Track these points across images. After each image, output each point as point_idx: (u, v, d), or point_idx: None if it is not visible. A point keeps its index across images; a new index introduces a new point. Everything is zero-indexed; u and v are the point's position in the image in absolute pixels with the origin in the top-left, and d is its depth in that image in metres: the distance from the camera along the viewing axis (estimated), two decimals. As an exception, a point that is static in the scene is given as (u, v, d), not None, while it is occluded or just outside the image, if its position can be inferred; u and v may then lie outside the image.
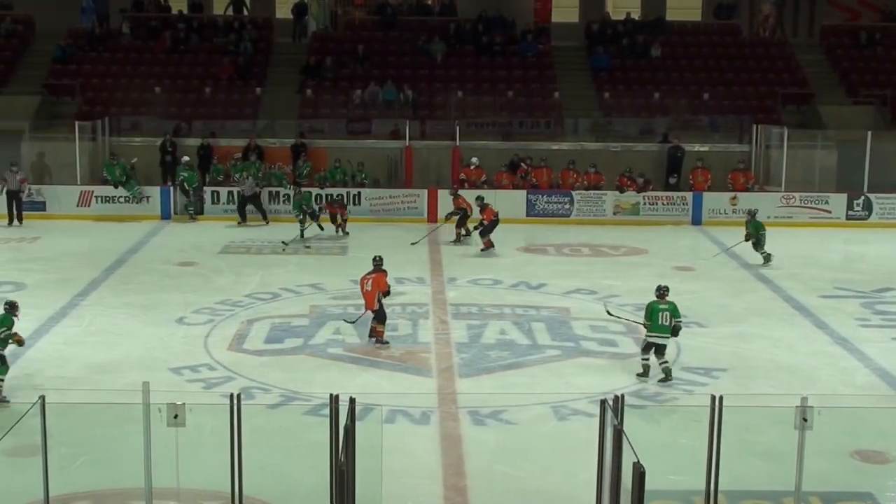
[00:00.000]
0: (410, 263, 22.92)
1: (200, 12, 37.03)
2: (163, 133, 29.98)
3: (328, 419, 10.24)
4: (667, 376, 15.20)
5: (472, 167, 28.84)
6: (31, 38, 35.16)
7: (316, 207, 26.52)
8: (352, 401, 10.02)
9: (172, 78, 32.99)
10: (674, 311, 15.21)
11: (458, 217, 25.17)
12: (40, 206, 27.68)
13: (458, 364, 16.37)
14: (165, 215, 28.05)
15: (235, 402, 10.29)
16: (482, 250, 24.04)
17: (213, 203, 28.27)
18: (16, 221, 26.84)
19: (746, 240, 23.09)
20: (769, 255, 23.00)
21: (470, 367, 16.17)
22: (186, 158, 28.48)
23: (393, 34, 35.35)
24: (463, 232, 25.19)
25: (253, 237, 25.67)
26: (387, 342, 17.03)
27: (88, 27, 35.08)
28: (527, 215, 28.14)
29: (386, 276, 17.73)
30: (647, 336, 15.34)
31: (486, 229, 24.16)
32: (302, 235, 25.26)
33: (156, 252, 24.36)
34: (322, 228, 26.13)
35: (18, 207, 26.99)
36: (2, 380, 14.16)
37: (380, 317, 17.14)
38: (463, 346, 17.23)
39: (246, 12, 37.64)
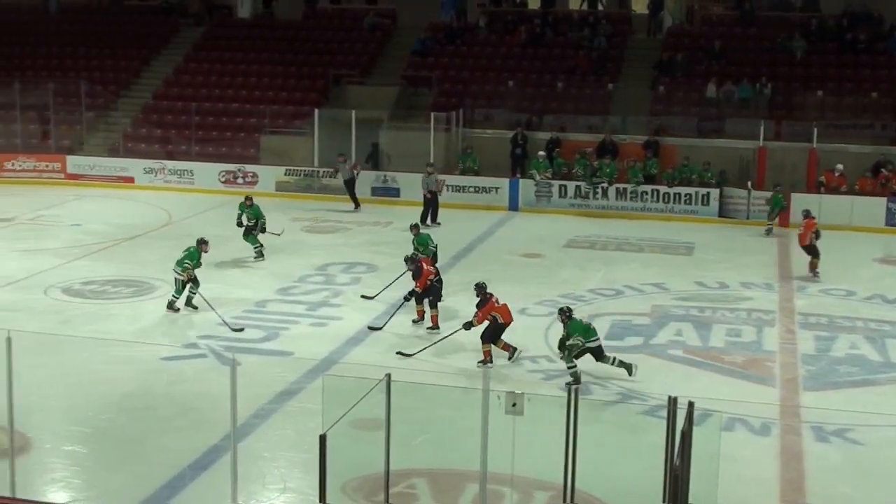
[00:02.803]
0: (759, 268, 22.21)
1: (555, 6, 37.35)
2: (514, 126, 30.48)
3: (665, 421, 10.03)
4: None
5: (836, 173, 27.42)
6: (394, 31, 36.61)
7: None
8: (690, 404, 9.75)
9: (526, 72, 33.43)
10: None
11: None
12: (394, 193, 28.81)
13: (804, 376, 15.68)
14: (513, 206, 28.46)
15: (573, 395, 10.26)
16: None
17: (560, 196, 28.41)
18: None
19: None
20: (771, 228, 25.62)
21: (816, 381, 15.45)
22: (542, 153, 28.85)
23: (751, 30, 34.33)
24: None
25: (599, 232, 25.62)
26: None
27: (447, 21, 36.13)
28: (886, 224, 26.52)
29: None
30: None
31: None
32: None
33: (502, 242, 24.78)
34: None
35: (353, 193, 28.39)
36: (176, 298, 18.06)
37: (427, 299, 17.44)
38: (810, 357, 16.48)
39: (601, 7, 37.59)
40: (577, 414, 10.28)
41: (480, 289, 16.38)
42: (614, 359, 15.27)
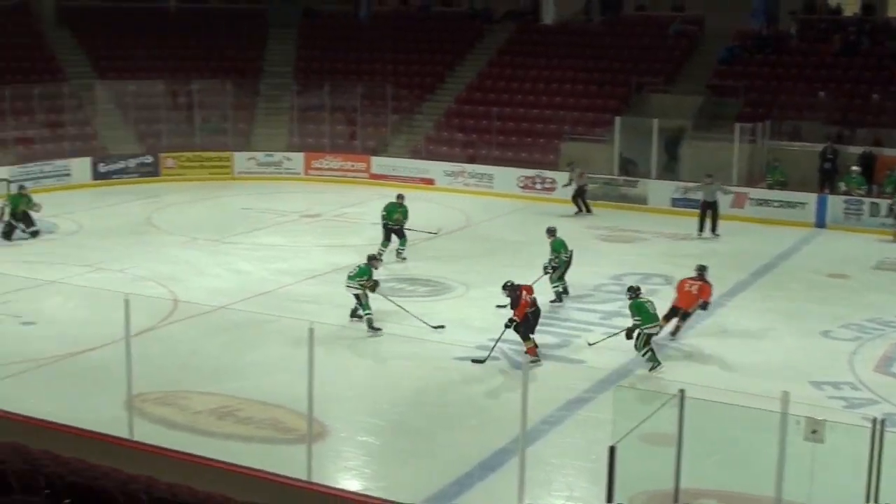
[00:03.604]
0: None
1: (874, 14, 35.61)
2: (824, 139, 29.21)
3: None
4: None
5: None
6: (700, 38, 35.84)
7: None
8: None
9: (839, 82, 31.96)
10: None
11: None
12: (695, 204, 27.89)
13: None
14: (820, 223, 27.25)
15: (878, 427, 9.65)
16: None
17: (871, 216, 26.96)
18: (583, 210, 28.34)
19: None
20: None
21: None
22: (856, 168, 27.53)
23: None
24: None
25: (910, 255, 24.24)
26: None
27: (757, 28, 35.05)
28: None
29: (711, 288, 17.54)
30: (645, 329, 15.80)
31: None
32: None
33: (806, 260, 23.79)
34: None
35: (584, 199, 28.47)
36: (370, 313, 17.52)
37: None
38: None
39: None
40: (881, 447, 9.67)
41: (508, 288, 16.39)
42: (649, 347, 15.85)
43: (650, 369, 15.75)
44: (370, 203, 28.89)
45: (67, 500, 7.84)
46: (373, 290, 17.77)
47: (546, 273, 19.39)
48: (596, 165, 30.32)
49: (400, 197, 23.14)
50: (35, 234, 24.22)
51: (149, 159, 32.73)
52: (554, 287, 19.50)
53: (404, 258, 22.64)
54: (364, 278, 17.61)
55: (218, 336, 17.32)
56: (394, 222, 22.64)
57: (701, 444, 11.57)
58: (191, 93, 34.84)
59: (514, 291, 16.29)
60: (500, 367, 16.00)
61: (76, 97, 34.05)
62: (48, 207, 25.85)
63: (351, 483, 11.99)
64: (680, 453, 10.34)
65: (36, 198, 25.18)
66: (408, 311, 17.85)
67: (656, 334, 16.16)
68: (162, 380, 14.93)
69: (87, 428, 12.04)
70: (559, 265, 19.47)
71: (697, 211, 26.21)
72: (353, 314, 17.92)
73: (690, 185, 27.31)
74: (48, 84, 33.51)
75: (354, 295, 17.75)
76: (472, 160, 32.20)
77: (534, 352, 16.04)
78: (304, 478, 11.05)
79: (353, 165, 33.09)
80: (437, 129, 34.38)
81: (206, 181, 32.34)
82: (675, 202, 28.67)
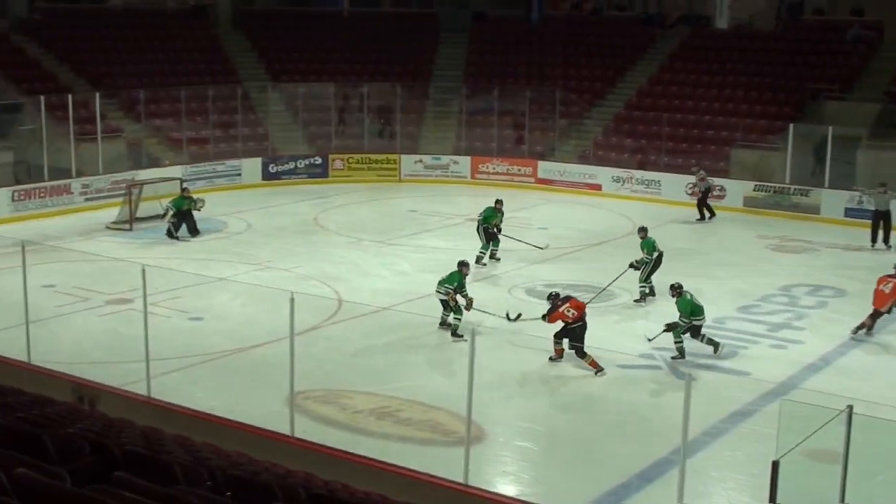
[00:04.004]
0: None
1: None
2: None
3: None
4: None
5: None
6: (879, 44, 34.61)
7: None
8: None
9: None
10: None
11: None
12: (870, 215, 26.92)
13: None
14: None
15: None
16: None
17: None
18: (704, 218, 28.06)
19: None
20: None
21: None
22: None
23: None
24: None
25: None
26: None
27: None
28: None
29: None
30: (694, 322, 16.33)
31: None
32: None
33: None
34: None
35: (706, 203, 28.15)
36: (458, 319, 17.30)
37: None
38: None
39: None
40: None
41: (551, 298, 16.41)
42: (703, 336, 16.45)
43: (673, 357, 16.29)
44: (536, 208, 28.87)
45: (228, 493, 7.97)
46: (468, 307, 17.55)
47: (633, 269, 19.73)
48: (768, 173, 29.64)
49: (498, 202, 23.18)
50: (195, 233, 24.87)
51: (318, 160, 33.38)
52: (640, 287, 19.69)
53: (498, 258, 22.73)
54: (451, 285, 17.53)
55: (381, 337, 17.50)
56: (491, 227, 22.73)
57: (868, 462, 11.18)
58: (361, 96, 35.40)
59: (555, 300, 16.38)
60: (661, 376, 15.77)
61: (249, 99, 34.96)
62: (219, 206, 26.60)
63: (507, 488, 11.94)
64: (846, 472, 9.97)
65: (207, 197, 25.97)
66: (489, 313, 17.80)
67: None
68: (324, 378, 15.18)
69: (249, 423, 12.33)
70: (645, 264, 19.64)
71: (870, 221, 25.30)
72: (443, 323, 17.75)
73: (865, 189, 26.38)
74: (222, 86, 34.50)
75: (441, 301, 17.69)
76: (641, 166, 31.80)
77: (595, 364, 15.80)
78: (461, 481, 11.07)
79: (519, 170, 33.06)
80: (606, 134, 34.06)
81: (373, 183, 32.78)
82: (848, 212, 27.72)
